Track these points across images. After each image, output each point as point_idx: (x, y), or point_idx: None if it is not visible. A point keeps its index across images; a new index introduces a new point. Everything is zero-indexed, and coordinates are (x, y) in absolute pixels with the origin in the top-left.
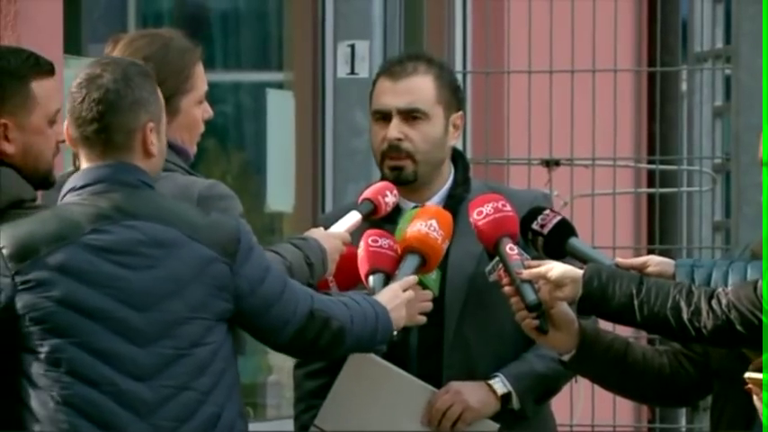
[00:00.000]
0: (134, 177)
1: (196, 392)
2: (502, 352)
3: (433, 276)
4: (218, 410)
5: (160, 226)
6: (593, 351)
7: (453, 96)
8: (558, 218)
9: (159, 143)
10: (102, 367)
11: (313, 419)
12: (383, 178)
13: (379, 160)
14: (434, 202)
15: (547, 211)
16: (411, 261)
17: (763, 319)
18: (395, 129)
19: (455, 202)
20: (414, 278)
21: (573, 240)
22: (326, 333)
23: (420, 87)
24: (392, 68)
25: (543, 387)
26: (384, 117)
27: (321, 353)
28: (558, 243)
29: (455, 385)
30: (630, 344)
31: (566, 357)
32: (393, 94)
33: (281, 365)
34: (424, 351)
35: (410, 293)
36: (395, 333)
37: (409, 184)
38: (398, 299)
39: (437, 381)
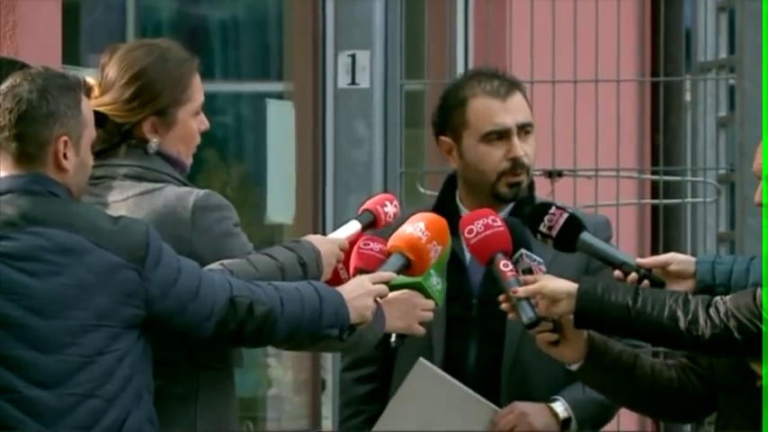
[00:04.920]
0: (43, 188)
1: (101, 400)
2: (558, 374)
3: (438, 287)
4: (123, 416)
5: (66, 233)
6: (602, 362)
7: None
8: (565, 216)
9: (77, 158)
10: (6, 374)
11: (361, 425)
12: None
13: (494, 179)
14: None
15: (552, 210)
16: (394, 260)
17: (763, 328)
18: (519, 146)
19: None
20: (389, 274)
21: (584, 236)
22: (252, 319)
23: (522, 102)
24: (488, 88)
25: (600, 415)
26: (500, 136)
27: (250, 340)
28: (568, 241)
29: (520, 406)
30: (639, 356)
31: (574, 368)
32: (506, 112)
33: (282, 379)
34: (482, 369)
35: (381, 287)
36: (392, 339)
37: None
38: (363, 289)
39: (494, 401)
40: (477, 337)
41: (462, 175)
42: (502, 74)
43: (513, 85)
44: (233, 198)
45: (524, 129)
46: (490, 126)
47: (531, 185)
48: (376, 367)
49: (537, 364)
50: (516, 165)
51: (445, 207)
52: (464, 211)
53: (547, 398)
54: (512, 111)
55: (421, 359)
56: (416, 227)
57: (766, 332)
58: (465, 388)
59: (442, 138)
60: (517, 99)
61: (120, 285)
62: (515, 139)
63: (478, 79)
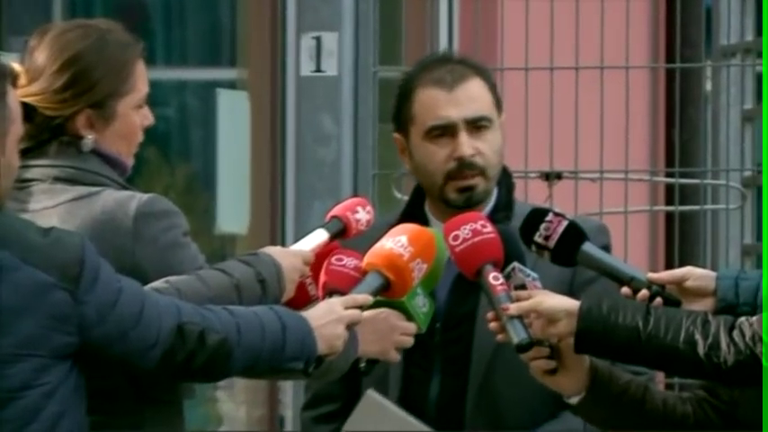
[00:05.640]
0: None
1: None
2: (536, 408)
3: (424, 309)
4: None
5: None
6: (606, 394)
7: (497, 96)
8: (564, 224)
9: (1, 158)
10: None
11: None
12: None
13: (441, 183)
14: None
15: (549, 217)
16: (370, 279)
17: (763, 349)
18: (466, 144)
19: None
20: (364, 297)
21: (585, 248)
22: (203, 350)
23: (478, 92)
24: (435, 76)
25: None
26: (444, 132)
27: (202, 373)
28: (567, 253)
29: None
30: (650, 388)
31: (573, 400)
32: (454, 105)
33: (233, 415)
34: (445, 402)
35: (354, 312)
36: (362, 364)
37: (478, 205)
38: (333, 315)
39: None
40: (440, 368)
41: (417, 179)
42: (459, 59)
43: (467, 72)
44: (177, 203)
45: (476, 124)
46: (433, 120)
47: (510, 188)
48: (338, 404)
49: (509, 396)
50: (463, 165)
51: (413, 217)
52: (434, 222)
53: None
54: (460, 102)
55: (369, 391)
56: (397, 242)
57: (766, 353)
58: (421, 425)
59: (395, 135)
60: (470, 88)
61: (50, 309)
62: (462, 136)
63: (430, 67)
